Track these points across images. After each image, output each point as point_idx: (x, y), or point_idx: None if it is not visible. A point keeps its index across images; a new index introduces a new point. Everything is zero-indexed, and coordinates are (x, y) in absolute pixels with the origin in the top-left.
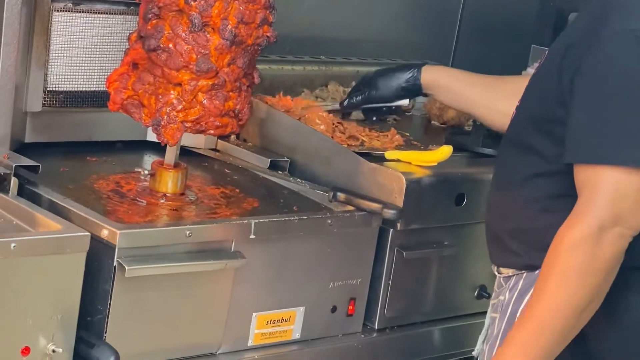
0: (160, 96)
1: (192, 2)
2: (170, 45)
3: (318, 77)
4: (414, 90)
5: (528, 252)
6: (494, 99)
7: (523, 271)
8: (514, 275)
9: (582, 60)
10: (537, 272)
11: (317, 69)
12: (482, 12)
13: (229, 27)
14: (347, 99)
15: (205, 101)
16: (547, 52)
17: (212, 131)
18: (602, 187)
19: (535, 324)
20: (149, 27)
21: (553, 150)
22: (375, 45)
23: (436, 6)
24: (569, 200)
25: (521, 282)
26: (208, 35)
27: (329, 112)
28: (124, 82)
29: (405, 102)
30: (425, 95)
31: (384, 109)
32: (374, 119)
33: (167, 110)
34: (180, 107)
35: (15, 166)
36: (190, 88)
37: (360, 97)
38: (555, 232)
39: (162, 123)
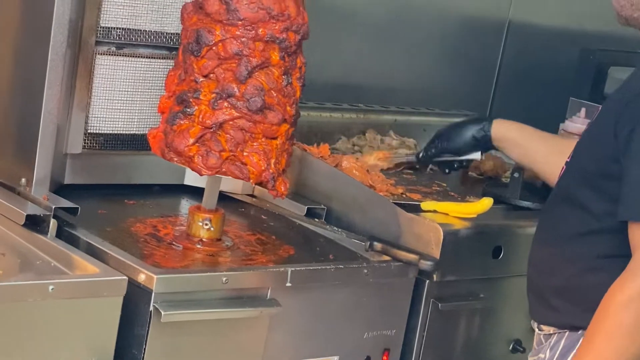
0: (263, 152)
1: (286, 57)
2: (272, 102)
3: (356, 125)
4: (484, 142)
5: (571, 310)
6: (557, 156)
7: (565, 330)
8: (555, 333)
9: None
10: (580, 332)
11: (355, 116)
12: (521, 62)
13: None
14: (423, 152)
15: (288, 148)
16: (600, 108)
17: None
18: None
19: None
20: (248, 88)
21: (603, 207)
22: (413, 93)
23: (475, 55)
24: (616, 261)
25: (563, 341)
26: (294, 87)
27: (405, 164)
28: (211, 144)
29: (477, 155)
30: (495, 148)
31: (456, 162)
32: (447, 171)
33: (273, 163)
34: (281, 159)
35: (55, 208)
36: (286, 138)
37: (433, 150)
38: (600, 292)
39: (275, 177)
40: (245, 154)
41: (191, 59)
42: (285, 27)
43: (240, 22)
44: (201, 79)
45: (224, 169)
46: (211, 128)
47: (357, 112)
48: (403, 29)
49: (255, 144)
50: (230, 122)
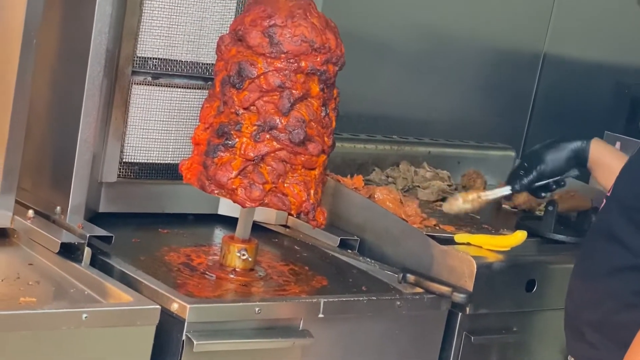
0: (303, 183)
1: (325, 88)
2: (313, 133)
3: (389, 156)
4: (581, 161)
5: (608, 346)
6: None
7: None
8: None
9: None
10: None
11: (389, 148)
12: (556, 95)
13: (338, 105)
14: (518, 182)
15: (324, 178)
16: None
17: None
18: None
19: None
20: (290, 120)
21: None
22: (447, 125)
23: (509, 88)
24: None
25: None
26: (331, 117)
27: (500, 199)
28: (253, 177)
29: (575, 172)
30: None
31: (552, 184)
32: (542, 195)
33: (312, 194)
34: (318, 189)
35: (89, 236)
36: (323, 169)
37: (530, 176)
38: (634, 329)
39: (315, 207)
40: (286, 185)
41: (232, 92)
42: (326, 60)
43: (283, 55)
44: (242, 111)
45: (266, 201)
46: (253, 160)
47: (391, 144)
48: (438, 60)
49: (295, 174)
50: (272, 154)
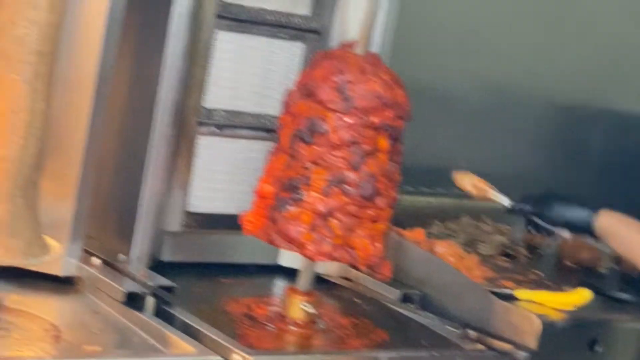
0: (370, 236)
1: (393, 143)
2: (381, 187)
3: (450, 210)
4: (582, 227)
5: None
6: None
7: None
8: None
9: None
10: None
11: (450, 201)
12: (621, 150)
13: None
14: (518, 204)
15: (388, 231)
16: None
17: None
18: None
19: None
20: (360, 174)
21: None
22: (508, 180)
23: (572, 142)
24: None
25: None
26: (396, 171)
27: (497, 204)
28: (323, 231)
29: (566, 234)
30: (594, 237)
31: (545, 229)
32: (530, 231)
33: (379, 247)
34: (384, 242)
35: (153, 285)
36: (388, 222)
37: (529, 208)
38: None
39: (382, 260)
40: (354, 238)
41: (301, 146)
42: (395, 115)
43: (354, 110)
44: (311, 166)
45: (335, 255)
46: (323, 214)
47: (452, 197)
48: (499, 114)
49: (362, 228)
50: (341, 208)
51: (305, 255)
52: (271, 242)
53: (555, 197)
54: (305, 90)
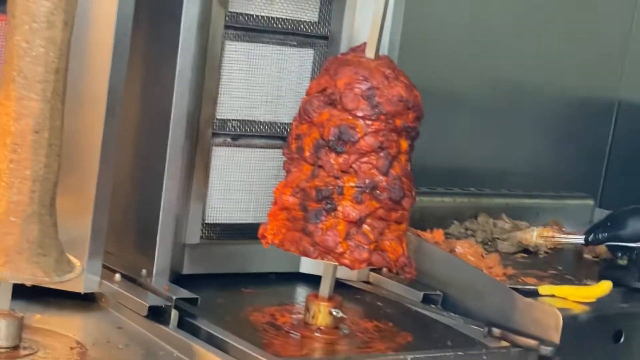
0: (397, 237)
1: (410, 143)
2: (406, 189)
3: (468, 209)
4: None
5: None
6: None
7: None
8: None
9: None
10: None
11: (467, 200)
12: (633, 143)
13: None
14: (592, 235)
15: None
16: None
17: None
18: None
19: None
20: (389, 179)
21: None
22: (524, 177)
23: (585, 136)
24: None
25: None
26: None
27: (567, 244)
28: (359, 238)
29: None
30: None
31: (627, 249)
32: (619, 255)
33: (405, 247)
34: (407, 242)
35: (176, 298)
36: (408, 222)
37: (605, 234)
38: None
39: (410, 260)
40: (384, 241)
41: (330, 155)
42: (414, 116)
43: (382, 116)
44: (341, 174)
45: (372, 260)
46: (356, 222)
47: (469, 197)
48: (512, 111)
49: (390, 230)
50: (372, 214)
51: (343, 265)
52: (307, 255)
53: (622, 215)
54: (329, 98)
